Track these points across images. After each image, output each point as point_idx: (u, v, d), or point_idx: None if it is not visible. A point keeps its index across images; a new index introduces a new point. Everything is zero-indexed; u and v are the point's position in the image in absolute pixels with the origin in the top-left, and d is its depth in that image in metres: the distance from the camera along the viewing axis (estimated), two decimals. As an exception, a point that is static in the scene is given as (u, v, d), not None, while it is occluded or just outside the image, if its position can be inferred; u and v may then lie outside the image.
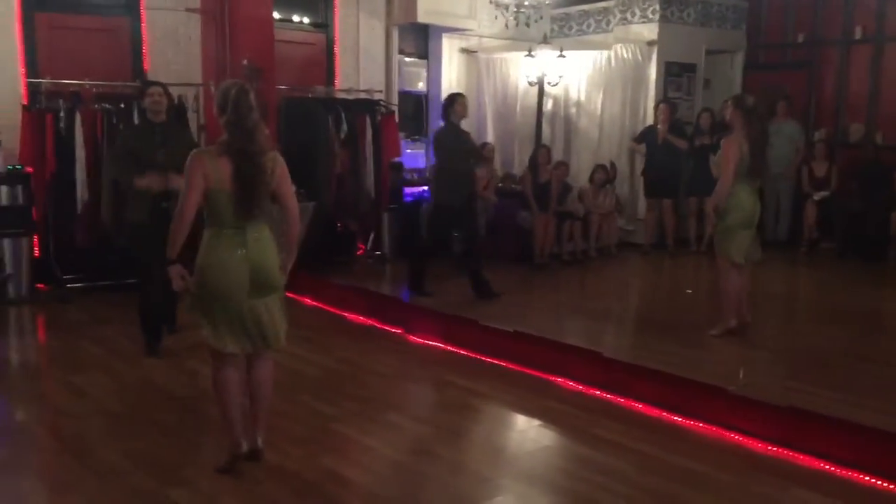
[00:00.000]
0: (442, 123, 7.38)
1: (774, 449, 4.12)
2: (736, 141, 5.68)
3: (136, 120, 7.21)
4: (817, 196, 9.70)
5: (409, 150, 10.31)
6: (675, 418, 4.56)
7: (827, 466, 3.93)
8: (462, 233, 7.52)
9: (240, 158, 3.61)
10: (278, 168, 3.76)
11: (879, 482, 3.78)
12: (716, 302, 6.19)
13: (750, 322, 6.06)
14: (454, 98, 7.29)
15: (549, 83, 10.03)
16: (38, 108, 7.27)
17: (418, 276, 7.32)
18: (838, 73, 10.48)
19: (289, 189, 3.85)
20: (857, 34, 10.24)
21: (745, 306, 6.02)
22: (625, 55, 10.00)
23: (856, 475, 3.84)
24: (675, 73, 10.37)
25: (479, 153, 8.27)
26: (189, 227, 3.67)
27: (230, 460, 3.83)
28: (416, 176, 9.99)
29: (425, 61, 10.61)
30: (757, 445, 4.18)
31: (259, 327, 3.73)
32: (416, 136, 10.58)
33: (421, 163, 10.42)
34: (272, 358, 3.97)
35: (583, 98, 10.32)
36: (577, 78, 10.30)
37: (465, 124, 7.22)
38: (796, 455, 4.04)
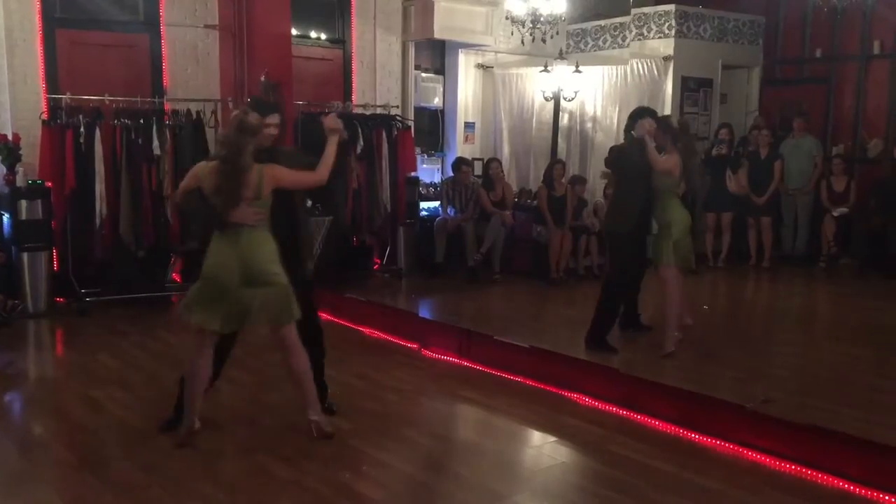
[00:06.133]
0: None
1: (793, 467, 4.08)
2: (676, 159, 6.01)
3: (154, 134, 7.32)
4: (836, 212, 9.63)
5: (424, 165, 10.34)
6: (692, 435, 4.52)
7: (846, 486, 3.88)
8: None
9: (223, 169, 4.04)
10: (266, 179, 4.10)
11: (900, 502, 3.73)
12: (729, 318, 6.13)
13: (691, 324, 6.32)
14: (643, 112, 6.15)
15: (565, 98, 10.05)
16: (58, 123, 7.33)
17: (607, 326, 6.11)
18: (856, 89, 10.42)
19: (291, 180, 4.26)
20: (876, 49, 10.20)
21: (686, 310, 6.35)
22: (641, 70, 10.00)
23: (875, 494, 3.79)
24: (692, 88, 10.37)
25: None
26: (181, 198, 4.35)
27: (186, 435, 4.27)
28: (431, 191, 10.01)
29: (441, 77, 10.66)
30: (775, 463, 4.14)
31: (241, 314, 4.14)
32: (432, 151, 10.62)
33: (436, 178, 10.44)
34: (293, 346, 4.27)
35: (598, 113, 10.31)
36: (593, 93, 10.29)
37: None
38: (815, 474, 4.00)
